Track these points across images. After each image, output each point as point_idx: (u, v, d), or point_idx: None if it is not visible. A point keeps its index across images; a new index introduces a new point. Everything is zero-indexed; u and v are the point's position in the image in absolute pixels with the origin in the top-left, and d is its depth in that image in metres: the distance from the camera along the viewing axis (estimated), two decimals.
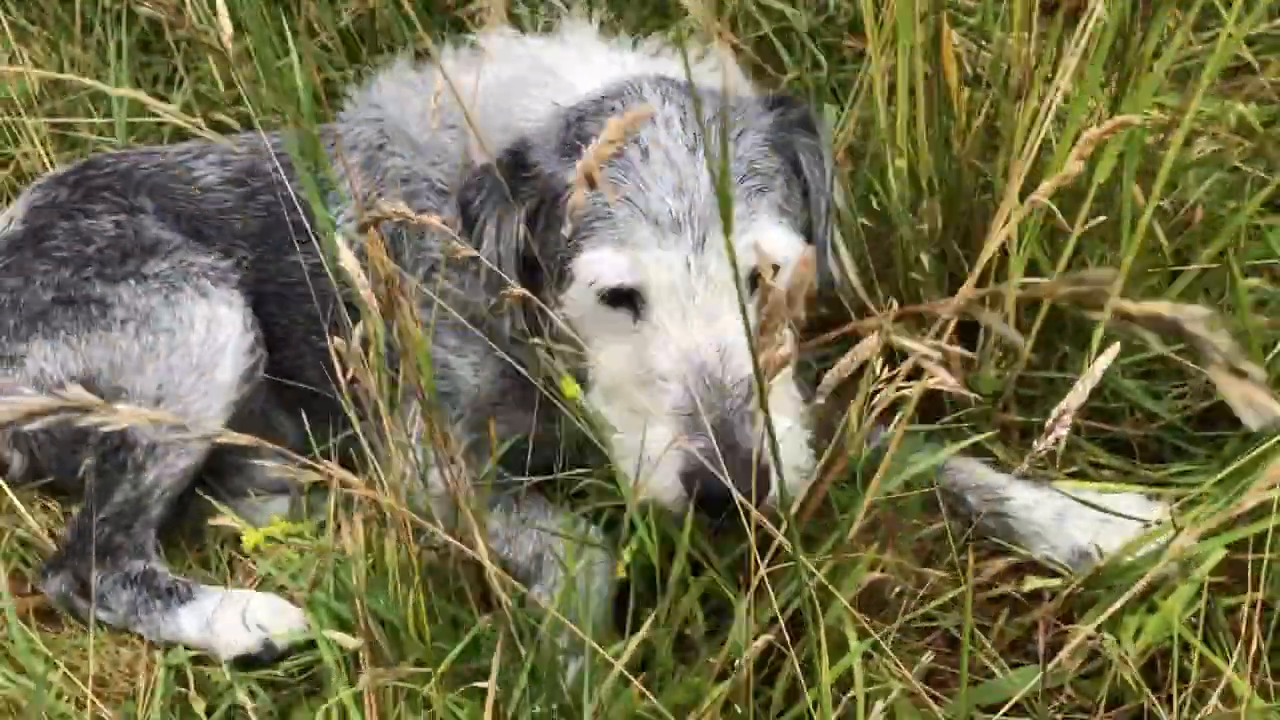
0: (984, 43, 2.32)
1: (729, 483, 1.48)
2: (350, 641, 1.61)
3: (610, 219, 1.70)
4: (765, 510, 1.47)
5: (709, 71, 2.10)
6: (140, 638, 2.04)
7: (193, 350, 2.11)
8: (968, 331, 2.02)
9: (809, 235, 1.88)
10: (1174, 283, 2.07)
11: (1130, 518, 1.81)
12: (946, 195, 2.10)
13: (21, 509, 2.19)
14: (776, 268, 1.67)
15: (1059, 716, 1.71)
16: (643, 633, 1.52)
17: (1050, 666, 1.63)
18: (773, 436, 1.28)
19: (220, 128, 2.94)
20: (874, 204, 2.25)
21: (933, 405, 1.93)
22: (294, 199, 2.05)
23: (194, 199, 2.32)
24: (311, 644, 1.86)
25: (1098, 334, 1.64)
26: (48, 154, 2.88)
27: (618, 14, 2.76)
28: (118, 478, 2.09)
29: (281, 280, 2.25)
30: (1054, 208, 1.68)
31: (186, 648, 1.98)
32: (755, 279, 1.65)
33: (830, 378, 1.29)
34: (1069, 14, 1.87)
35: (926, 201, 2.09)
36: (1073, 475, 1.96)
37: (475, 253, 1.67)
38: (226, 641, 1.95)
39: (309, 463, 1.39)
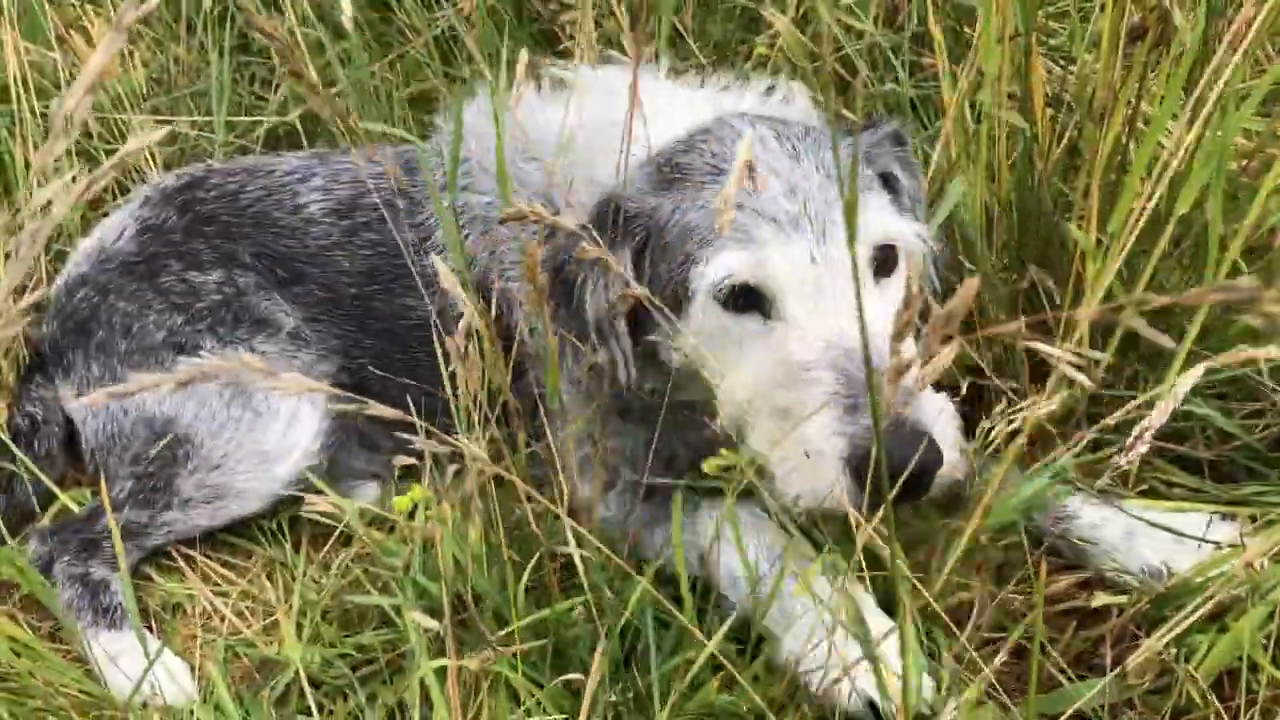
0: (1067, 64, 2.34)
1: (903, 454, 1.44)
2: (430, 623, 1.64)
3: (726, 233, 1.69)
4: (943, 483, 1.47)
5: (778, 103, 2.15)
6: None
7: (267, 440, 2.23)
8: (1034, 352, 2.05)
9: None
10: None
11: (1201, 539, 1.82)
12: (1024, 214, 2.12)
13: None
14: (894, 262, 1.75)
15: None
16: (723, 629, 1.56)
17: (1116, 679, 1.65)
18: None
19: (313, 123, 3.05)
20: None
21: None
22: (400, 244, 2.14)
23: (296, 233, 2.39)
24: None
25: (1181, 353, 1.65)
26: (150, 150, 2.99)
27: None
28: (150, 497, 2.22)
29: (384, 321, 2.34)
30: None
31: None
32: (879, 265, 1.74)
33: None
34: (1156, 41, 1.89)
35: (1001, 216, 2.11)
36: (1144, 494, 1.98)
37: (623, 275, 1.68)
38: (116, 683, 1.99)
39: (444, 437, 1.45)
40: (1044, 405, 1.43)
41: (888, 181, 1.92)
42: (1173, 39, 1.83)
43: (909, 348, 1.10)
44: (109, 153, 3.04)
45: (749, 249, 1.68)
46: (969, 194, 2.04)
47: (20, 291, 2.28)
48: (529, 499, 1.65)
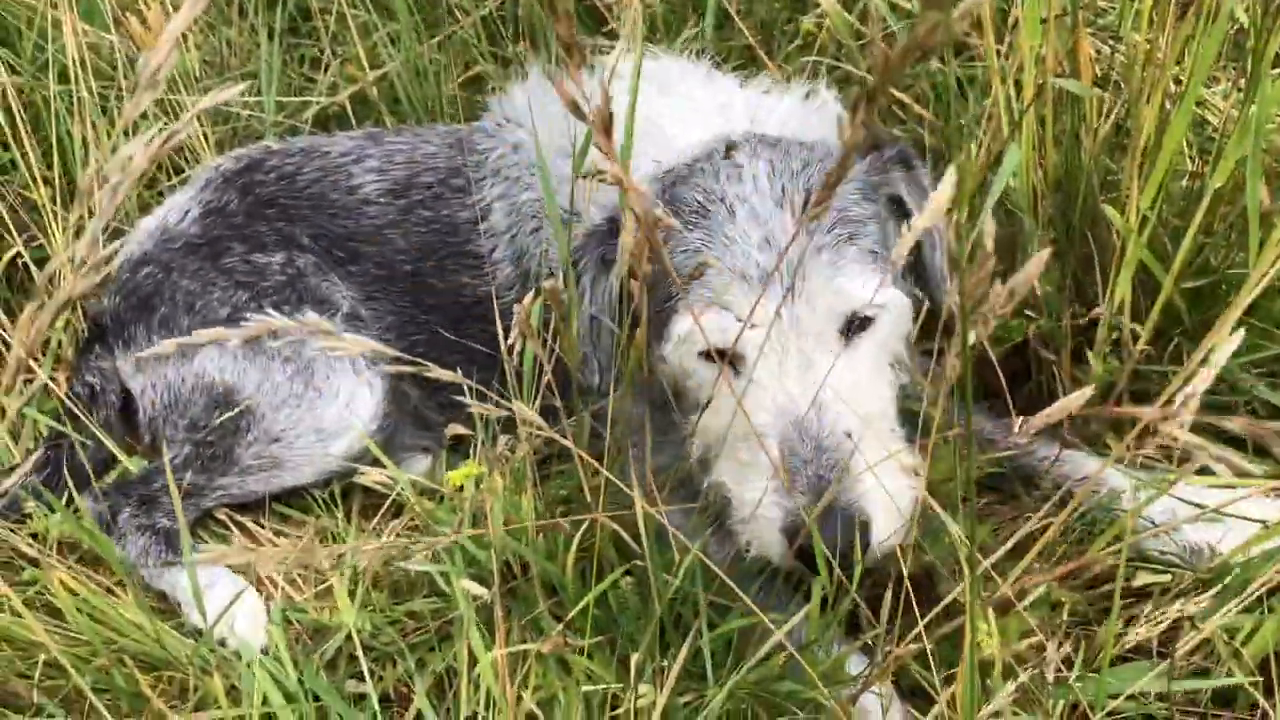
0: (1115, 43, 2.33)
1: (829, 539, 1.53)
2: (479, 590, 1.68)
3: (702, 279, 1.72)
4: (874, 557, 1.53)
5: (815, 110, 2.14)
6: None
7: (326, 417, 2.31)
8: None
9: (919, 274, 1.90)
10: None
11: (1247, 518, 1.81)
12: (1071, 192, 2.12)
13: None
14: (867, 319, 1.74)
15: (1172, 711, 1.73)
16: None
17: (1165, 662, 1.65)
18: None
19: (365, 103, 3.10)
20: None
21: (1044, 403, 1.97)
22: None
23: (352, 214, 2.44)
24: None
25: (1229, 321, 1.64)
26: (204, 130, 3.05)
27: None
28: (208, 464, 2.30)
29: (438, 297, 2.39)
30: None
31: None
32: (849, 325, 1.73)
33: (1039, 420, 1.25)
34: (1200, 12, 1.87)
35: (1047, 195, 2.11)
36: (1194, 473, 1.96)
37: None
38: (198, 618, 2.03)
39: (499, 400, 1.48)
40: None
41: (897, 205, 1.90)
42: (1219, 10, 1.82)
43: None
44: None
45: (716, 313, 1.70)
46: (1018, 169, 2.04)
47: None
48: (582, 462, 1.67)
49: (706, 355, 1.76)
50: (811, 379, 1.64)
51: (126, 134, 2.68)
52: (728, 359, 1.72)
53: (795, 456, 1.62)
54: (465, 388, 1.39)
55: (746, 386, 1.66)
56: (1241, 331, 1.18)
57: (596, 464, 1.63)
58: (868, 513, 1.57)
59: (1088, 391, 1.11)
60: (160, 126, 0.92)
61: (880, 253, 1.79)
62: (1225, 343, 1.13)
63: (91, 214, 0.90)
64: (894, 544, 1.62)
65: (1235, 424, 0.93)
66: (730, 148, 1.85)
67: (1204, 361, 1.58)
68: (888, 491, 1.61)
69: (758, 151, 1.83)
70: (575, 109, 0.97)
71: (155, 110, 3.13)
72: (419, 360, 1.31)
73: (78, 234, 2.51)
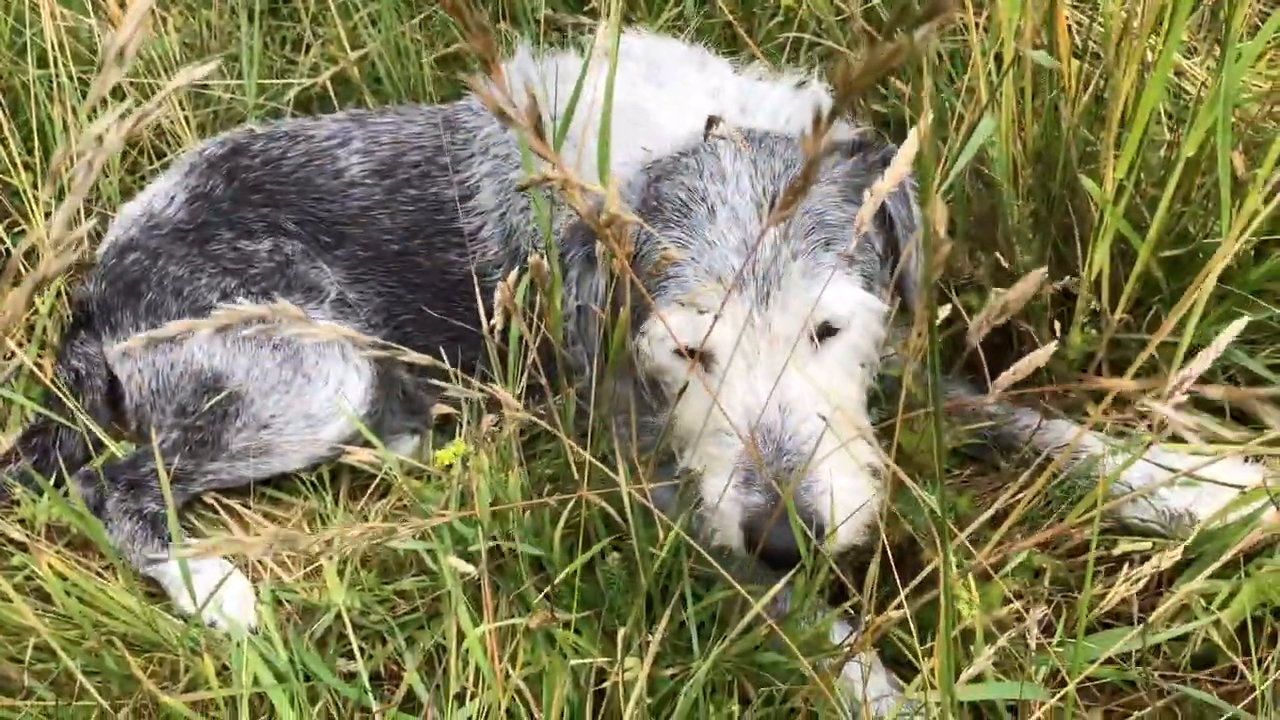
0: (1094, 13, 2.34)
1: (781, 540, 1.58)
2: (467, 567, 1.67)
3: (678, 277, 1.75)
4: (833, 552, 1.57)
5: (808, 100, 2.12)
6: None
7: (315, 403, 2.31)
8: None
9: (899, 283, 1.89)
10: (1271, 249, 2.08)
11: (1225, 483, 1.83)
12: (1051, 163, 2.13)
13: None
14: (835, 330, 1.75)
15: (1149, 674, 1.76)
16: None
17: (1143, 627, 1.67)
18: None
19: (348, 84, 3.09)
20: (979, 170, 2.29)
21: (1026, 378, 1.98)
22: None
23: (338, 197, 2.44)
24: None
25: (1201, 297, 1.65)
26: (185, 113, 3.04)
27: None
28: (196, 449, 2.30)
29: (425, 276, 2.39)
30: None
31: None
32: (821, 333, 1.74)
33: (1004, 379, 1.26)
34: None
35: (1027, 166, 2.12)
36: (1170, 439, 1.99)
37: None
38: (186, 604, 2.11)
39: (481, 385, 1.49)
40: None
41: (879, 209, 1.89)
42: None
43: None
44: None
45: (689, 314, 1.72)
46: (996, 137, 2.04)
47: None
48: (567, 438, 1.68)
49: (679, 353, 1.78)
50: (780, 382, 1.67)
51: (94, 115, 2.67)
52: (698, 357, 1.74)
53: (757, 457, 1.65)
54: (449, 369, 1.40)
55: (718, 386, 1.69)
56: (1245, 319, 1.19)
57: (578, 447, 1.64)
58: (822, 515, 1.61)
59: (1051, 348, 1.13)
60: (134, 102, 0.93)
61: (858, 257, 1.79)
62: (1229, 327, 1.14)
63: (65, 194, 0.90)
64: (850, 543, 1.66)
65: (1217, 392, 0.94)
66: (712, 121, 1.85)
67: (1195, 340, 1.60)
68: (848, 492, 1.65)
69: (742, 150, 1.83)
70: (501, 115, 0.94)
71: (135, 95, 3.12)
72: (394, 345, 1.31)
73: (49, 214, 2.52)
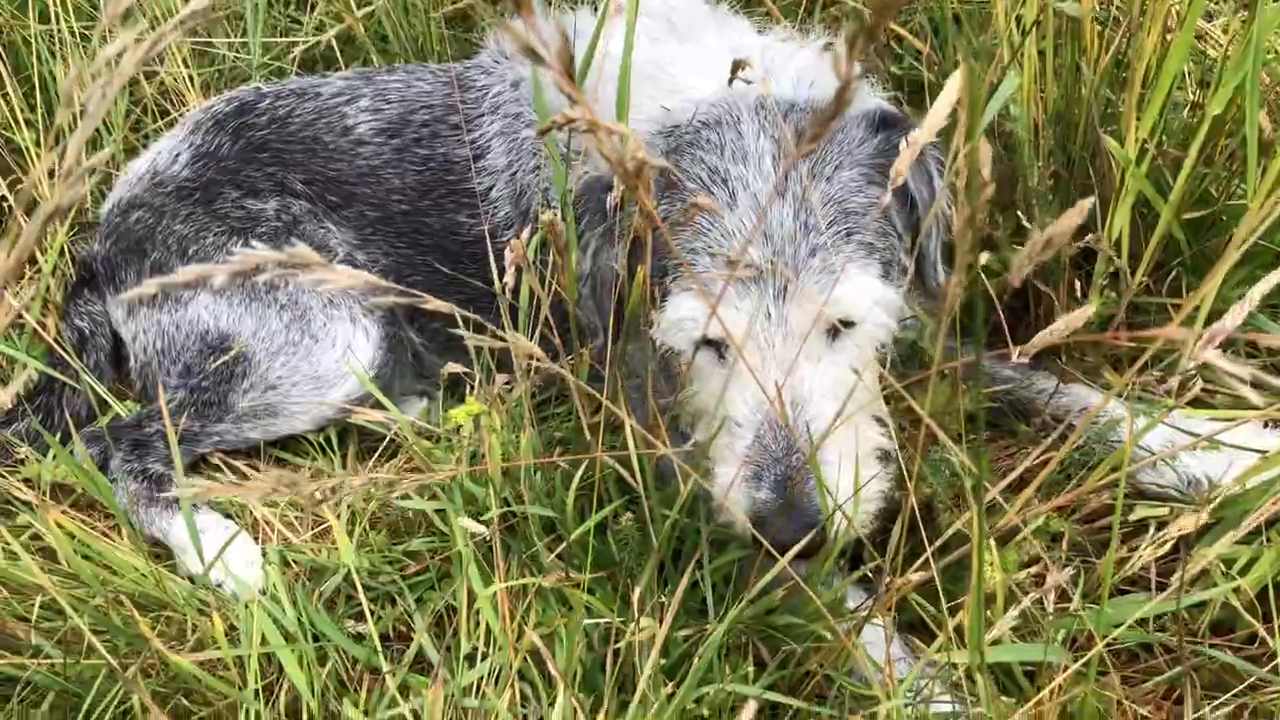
0: None
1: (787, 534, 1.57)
2: (477, 527, 1.64)
3: (697, 264, 1.71)
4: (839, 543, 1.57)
5: (831, 64, 2.07)
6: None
7: (323, 365, 2.28)
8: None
9: (916, 264, 1.85)
10: None
11: (1245, 448, 1.81)
12: (1071, 124, 2.10)
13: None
14: (852, 323, 1.72)
15: (1181, 635, 1.74)
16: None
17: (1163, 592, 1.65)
18: None
19: (353, 43, 3.05)
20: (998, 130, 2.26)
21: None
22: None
23: (345, 155, 2.40)
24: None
25: (1227, 262, 1.63)
26: (189, 72, 3.00)
27: None
28: (203, 410, 2.28)
29: (435, 237, 2.36)
30: None
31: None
32: (838, 326, 1.71)
33: (1038, 340, 1.23)
34: None
35: (1047, 127, 2.09)
36: (1190, 404, 1.96)
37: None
38: (191, 565, 2.10)
39: (500, 334, 1.46)
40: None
41: (901, 189, 1.83)
42: None
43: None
44: (148, 75, 3.05)
45: (705, 304, 1.68)
46: (1019, 94, 2.01)
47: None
48: (581, 395, 1.66)
49: (694, 341, 1.74)
50: (794, 378, 1.65)
51: (108, 35, 2.63)
52: (712, 346, 1.73)
53: (767, 453, 1.64)
54: (460, 320, 1.37)
55: (730, 376, 1.68)
56: (1277, 273, 1.16)
57: (596, 395, 1.61)
58: (841, 504, 1.59)
59: (1089, 310, 1.10)
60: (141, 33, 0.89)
61: (878, 245, 1.75)
62: (1259, 285, 1.11)
63: (78, 122, 0.87)
64: (856, 536, 1.64)
65: (1274, 340, 0.91)
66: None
67: (1216, 304, 1.57)
68: (856, 486, 1.62)
69: (766, 126, 1.77)
70: (531, 53, 0.91)
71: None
72: (413, 291, 1.28)
73: (57, 140, 2.48)
